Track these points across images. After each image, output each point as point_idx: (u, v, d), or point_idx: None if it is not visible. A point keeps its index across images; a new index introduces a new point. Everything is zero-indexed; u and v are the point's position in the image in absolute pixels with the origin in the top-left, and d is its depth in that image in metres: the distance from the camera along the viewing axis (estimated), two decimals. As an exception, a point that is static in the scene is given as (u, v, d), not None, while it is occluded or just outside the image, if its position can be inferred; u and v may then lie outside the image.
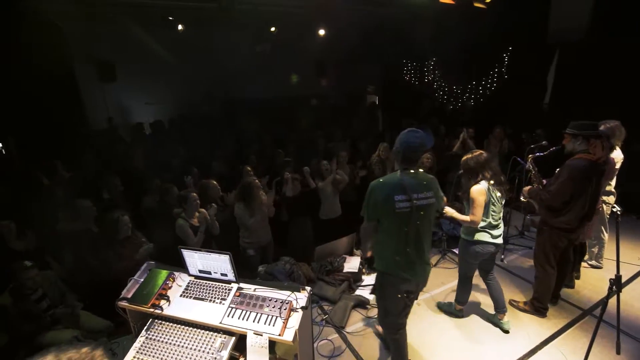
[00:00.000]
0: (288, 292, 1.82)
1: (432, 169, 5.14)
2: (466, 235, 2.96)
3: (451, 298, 3.49)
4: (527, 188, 3.23)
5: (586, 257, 4.08)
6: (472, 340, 3.08)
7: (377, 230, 2.24)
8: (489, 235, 2.86)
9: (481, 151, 2.88)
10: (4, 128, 5.56)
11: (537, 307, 3.31)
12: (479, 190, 2.75)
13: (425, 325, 3.27)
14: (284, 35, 8.12)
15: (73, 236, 3.57)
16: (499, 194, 2.83)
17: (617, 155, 3.52)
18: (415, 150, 2.10)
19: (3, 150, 5.74)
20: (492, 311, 3.27)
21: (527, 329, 3.18)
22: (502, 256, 4.34)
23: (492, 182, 2.78)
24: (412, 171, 2.14)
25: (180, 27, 6.88)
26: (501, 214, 2.89)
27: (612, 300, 2.29)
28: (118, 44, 7.27)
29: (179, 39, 7.33)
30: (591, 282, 3.83)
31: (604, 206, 3.72)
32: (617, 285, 2.07)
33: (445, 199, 2.49)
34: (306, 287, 1.84)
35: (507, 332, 3.11)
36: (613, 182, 3.64)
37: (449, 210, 2.83)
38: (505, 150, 5.91)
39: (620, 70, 5.39)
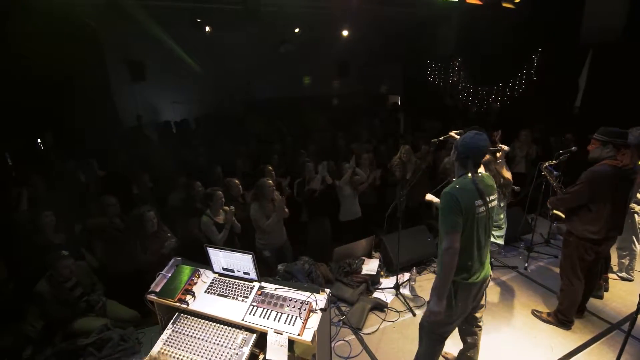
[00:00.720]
0: (308, 293, 1.87)
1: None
2: None
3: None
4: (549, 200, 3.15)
5: (615, 268, 3.92)
6: (493, 350, 3.02)
7: (458, 245, 2.04)
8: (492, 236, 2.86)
9: None
10: (41, 125, 5.90)
11: (562, 320, 3.21)
12: None
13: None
14: (308, 36, 8.19)
15: (100, 230, 3.78)
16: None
17: None
18: (483, 154, 2.07)
19: (41, 146, 6.09)
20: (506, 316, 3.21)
21: (551, 340, 3.09)
22: (526, 264, 4.22)
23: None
24: (480, 174, 2.11)
25: (207, 28, 7.07)
26: (502, 216, 2.92)
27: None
28: (148, 45, 7.55)
29: (206, 40, 7.53)
30: (620, 295, 3.68)
31: (635, 216, 3.55)
32: (646, 302, 1.98)
33: None
34: (325, 289, 1.88)
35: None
36: None
37: (431, 197, 2.84)
38: (533, 155, 5.73)
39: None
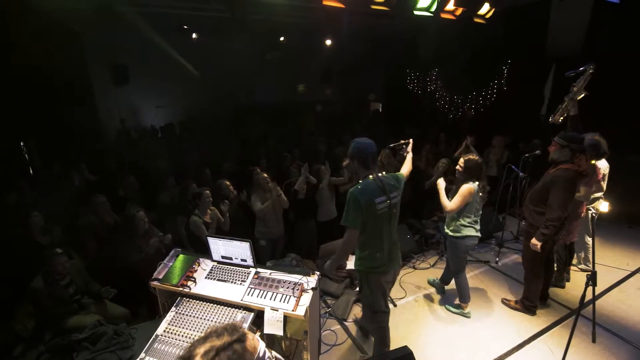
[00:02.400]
0: (300, 276, 2.08)
1: (447, 174, 5.40)
2: (454, 232, 3.28)
3: (450, 297, 3.72)
4: (533, 241, 3.24)
5: (574, 261, 4.31)
6: (467, 335, 3.30)
7: (356, 240, 2.37)
8: (474, 230, 3.25)
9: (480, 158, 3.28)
10: (22, 130, 5.84)
11: (527, 306, 3.53)
12: (469, 189, 3.10)
13: (422, 322, 3.49)
14: (293, 45, 8.46)
15: (90, 229, 3.86)
16: (481, 194, 3.23)
17: (605, 166, 3.77)
18: (373, 152, 2.31)
19: (24, 150, 6.03)
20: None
21: (518, 326, 3.40)
22: (497, 259, 4.57)
23: (479, 185, 3.16)
24: (380, 174, 2.34)
25: (194, 35, 7.22)
26: (480, 212, 3.29)
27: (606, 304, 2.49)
28: (132, 49, 7.62)
29: (192, 46, 7.66)
30: (580, 284, 4.03)
31: (589, 213, 3.96)
32: (592, 280, 2.30)
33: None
34: (316, 272, 2.10)
35: (469, 317, 3.49)
36: (600, 192, 3.86)
37: (440, 185, 3.34)
38: (504, 159, 6.14)
39: (614, 84, 5.66)
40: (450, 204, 3.18)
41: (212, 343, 0.88)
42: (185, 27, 7.06)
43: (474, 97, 7.98)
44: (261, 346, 1.03)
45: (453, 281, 3.61)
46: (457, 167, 3.28)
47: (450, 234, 3.31)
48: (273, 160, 5.89)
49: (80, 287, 3.37)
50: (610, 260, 4.54)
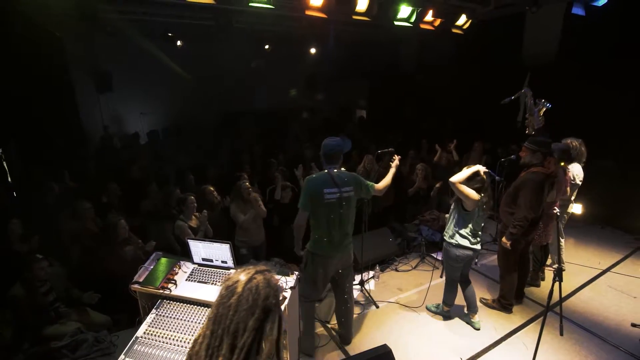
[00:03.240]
0: (279, 276, 2.13)
1: (426, 178, 5.56)
2: (449, 238, 3.20)
3: (430, 298, 3.81)
4: (503, 240, 3.40)
5: (549, 261, 4.48)
6: (447, 334, 3.40)
7: (304, 220, 2.74)
8: (469, 242, 3.13)
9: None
10: (1, 135, 5.74)
11: (504, 304, 3.66)
12: (476, 196, 2.97)
13: (403, 322, 3.58)
14: (278, 52, 8.59)
15: (72, 235, 3.82)
16: (484, 207, 3.11)
17: (578, 170, 3.97)
18: (332, 151, 2.65)
19: (3, 157, 5.91)
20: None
21: (495, 323, 3.53)
22: (476, 260, 4.70)
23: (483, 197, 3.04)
24: (334, 170, 2.66)
25: (179, 42, 7.26)
26: (482, 225, 3.20)
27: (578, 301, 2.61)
28: (116, 56, 7.60)
29: (177, 53, 7.70)
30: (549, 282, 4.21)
31: (561, 214, 4.15)
32: (558, 276, 2.43)
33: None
34: (295, 272, 2.16)
35: (478, 329, 3.42)
36: (573, 195, 4.06)
37: (458, 183, 3.01)
38: (483, 164, 6.35)
39: (585, 92, 5.96)
40: (457, 177, 2.98)
41: (250, 269, 1.10)
42: (170, 34, 7.09)
43: (455, 105, 8.22)
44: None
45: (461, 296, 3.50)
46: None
47: (446, 238, 3.25)
48: (258, 166, 5.94)
49: (61, 294, 3.33)
50: (583, 260, 4.74)
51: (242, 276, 1.05)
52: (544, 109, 3.91)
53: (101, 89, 8.16)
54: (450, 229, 3.22)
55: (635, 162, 5.53)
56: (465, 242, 3.13)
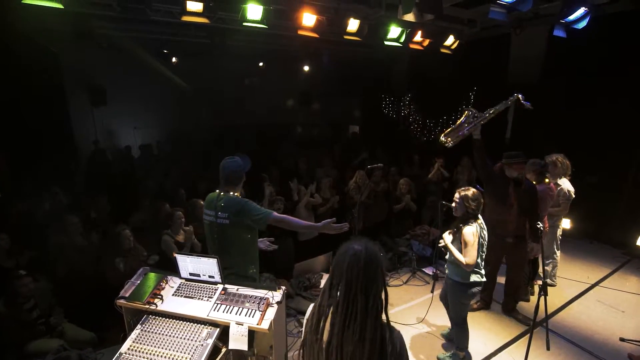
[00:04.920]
0: (266, 291, 2.14)
1: (410, 192, 5.61)
2: (463, 278, 2.90)
3: (419, 312, 3.80)
4: (536, 247, 3.56)
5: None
6: (436, 350, 3.38)
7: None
8: (479, 275, 2.91)
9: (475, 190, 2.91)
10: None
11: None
12: (472, 232, 2.76)
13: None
14: (271, 69, 8.77)
15: (60, 250, 3.78)
16: (485, 232, 2.89)
17: (569, 185, 4.08)
18: (225, 172, 2.53)
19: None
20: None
21: (484, 338, 3.52)
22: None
23: (480, 221, 2.86)
24: (222, 193, 2.54)
25: (174, 59, 7.38)
26: (484, 254, 2.94)
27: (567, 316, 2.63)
28: (110, 70, 7.69)
29: (171, 70, 7.81)
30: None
31: (557, 229, 4.24)
32: (544, 290, 2.47)
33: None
34: (282, 287, 2.16)
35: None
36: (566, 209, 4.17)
37: (451, 247, 2.89)
38: (472, 179, 6.46)
39: (568, 109, 6.16)
40: (467, 258, 2.76)
41: (357, 241, 1.38)
42: (165, 51, 7.21)
43: (445, 121, 8.40)
44: None
45: None
46: (454, 202, 2.92)
47: (456, 279, 2.94)
48: (250, 181, 5.95)
49: (45, 310, 3.27)
50: (571, 274, 4.79)
51: (357, 246, 1.31)
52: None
53: (95, 103, 8.19)
54: (458, 269, 2.90)
55: (620, 177, 5.67)
56: (478, 277, 2.90)
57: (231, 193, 2.53)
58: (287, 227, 2.55)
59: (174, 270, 3.52)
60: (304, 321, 1.43)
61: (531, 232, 3.42)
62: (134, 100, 8.44)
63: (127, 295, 2.14)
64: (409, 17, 3.39)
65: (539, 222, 2.65)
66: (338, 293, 1.29)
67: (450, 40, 6.04)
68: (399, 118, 9.64)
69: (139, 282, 2.23)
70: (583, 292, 4.39)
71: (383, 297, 1.30)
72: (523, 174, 3.53)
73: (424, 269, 4.77)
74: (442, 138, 3.64)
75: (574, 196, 4.09)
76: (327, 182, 5.42)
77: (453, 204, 2.94)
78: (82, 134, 7.89)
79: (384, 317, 1.29)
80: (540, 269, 4.43)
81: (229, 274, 2.49)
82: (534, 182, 3.71)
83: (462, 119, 3.43)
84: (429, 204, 6.26)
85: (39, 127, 5.94)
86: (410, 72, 8.71)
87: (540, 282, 4.42)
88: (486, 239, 2.88)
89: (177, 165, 6.68)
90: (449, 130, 3.53)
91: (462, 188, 2.93)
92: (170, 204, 4.49)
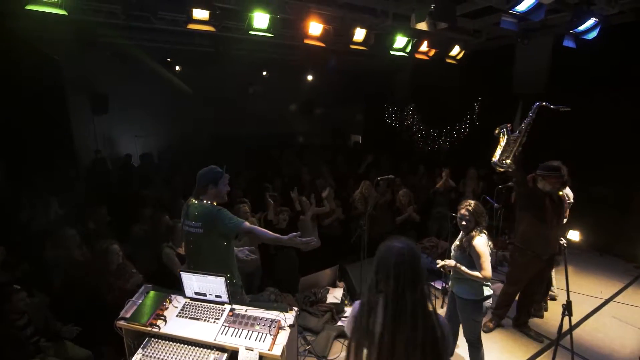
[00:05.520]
0: (277, 312, 2.00)
1: (410, 203, 5.49)
2: (477, 295, 2.76)
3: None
4: None
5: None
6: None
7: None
8: (489, 287, 2.80)
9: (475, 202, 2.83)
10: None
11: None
12: (484, 242, 2.67)
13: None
14: (275, 78, 8.73)
15: (57, 263, 3.63)
16: (491, 244, 2.80)
17: (568, 190, 3.98)
18: (201, 182, 2.53)
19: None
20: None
21: (500, 357, 3.37)
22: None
23: (485, 232, 2.76)
24: (195, 201, 2.52)
25: (177, 67, 7.33)
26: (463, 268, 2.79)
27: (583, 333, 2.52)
28: (113, 78, 7.63)
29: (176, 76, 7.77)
30: (557, 314, 4.08)
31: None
32: (568, 310, 2.34)
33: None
34: (293, 308, 2.03)
35: None
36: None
37: (463, 269, 2.74)
38: (479, 190, 6.35)
39: (573, 118, 6.10)
40: (484, 271, 2.63)
41: (396, 239, 1.48)
42: (169, 59, 7.17)
43: (449, 131, 8.34)
44: None
45: None
46: (463, 218, 2.78)
47: (472, 297, 2.78)
48: (253, 191, 5.84)
49: (40, 327, 3.11)
50: (584, 289, 4.64)
51: (399, 244, 1.41)
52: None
53: (97, 111, 8.12)
54: (474, 286, 2.76)
55: (632, 189, 5.57)
56: (488, 290, 2.78)
57: (204, 201, 2.50)
58: (256, 239, 2.60)
59: (174, 285, 3.43)
60: (349, 319, 1.52)
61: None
62: (136, 108, 8.38)
63: (127, 316, 2.00)
64: (422, 25, 3.32)
65: (562, 239, 2.53)
66: (384, 289, 1.39)
67: (456, 50, 6.02)
68: (402, 127, 9.59)
69: (140, 301, 2.09)
70: (598, 308, 4.24)
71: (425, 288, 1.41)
72: (559, 190, 3.40)
73: (433, 283, 4.62)
74: (501, 162, 3.35)
75: (572, 202, 3.98)
76: (328, 192, 5.30)
77: (463, 223, 2.80)
78: (83, 142, 7.78)
79: (429, 306, 1.39)
80: (556, 287, 4.34)
81: None
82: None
83: (502, 140, 3.31)
84: (436, 215, 6.14)
85: (39, 134, 5.85)
86: (413, 82, 8.69)
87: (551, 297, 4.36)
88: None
89: (178, 175, 6.56)
90: (499, 153, 3.34)
91: (467, 203, 2.83)
92: (170, 214, 4.36)
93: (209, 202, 2.50)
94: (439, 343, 1.34)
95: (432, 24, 3.32)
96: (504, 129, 3.32)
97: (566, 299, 2.44)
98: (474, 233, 2.71)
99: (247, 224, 2.47)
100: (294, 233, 2.37)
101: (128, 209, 5.04)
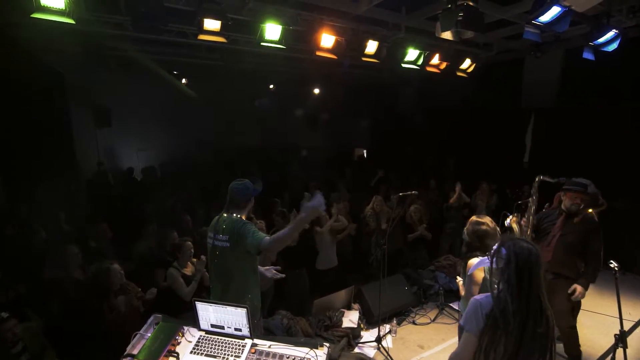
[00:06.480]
0: (306, 349, 1.77)
1: (421, 220, 5.29)
2: None
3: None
4: (579, 289, 3.09)
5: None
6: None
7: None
8: None
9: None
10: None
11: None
12: (478, 274, 2.27)
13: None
14: (282, 92, 8.65)
15: (56, 284, 3.40)
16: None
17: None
18: (231, 194, 2.46)
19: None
20: None
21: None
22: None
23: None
24: (225, 215, 2.45)
25: (184, 80, 7.24)
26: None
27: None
28: (116, 91, 7.53)
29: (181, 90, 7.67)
30: (586, 337, 3.83)
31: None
32: (622, 341, 2.12)
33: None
34: (325, 344, 1.80)
35: None
36: None
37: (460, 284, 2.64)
38: (492, 205, 6.15)
39: (588, 132, 5.99)
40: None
41: (509, 239, 1.64)
42: (175, 72, 7.07)
43: (459, 145, 8.19)
44: None
45: None
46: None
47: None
48: (261, 205, 5.63)
49: (36, 354, 2.87)
50: (609, 310, 4.38)
51: (526, 244, 1.55)
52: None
53: (99, 124, 7.99)
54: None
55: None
56: None
57: (235, 215, 2.43)
58: (281, 245, 2.36)
59: (179, 308, 3.19)
60: (469, 317, 1.61)
61: (585, 271, 3.11)
62: (139, 122, 8.26)
63: (134, 352, 1.77)
64: (447, 35, 3.22)
65: (612, 261, 2.32)
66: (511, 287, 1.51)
67: (466, 63, 5.94)
68: (411, 142, 9.45)
69: (149, 334, 1.87)
70: (629, 331, 3.98)
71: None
72: (578, 206, 3.19)
73: (451, 304, 4.37)
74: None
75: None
76: (343, 206, 5.11)
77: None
78: (85, 156, 7.61)
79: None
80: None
81: (228, 296, 2.37)
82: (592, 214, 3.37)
83: (516, 229, 3.23)
84: (448, 231, 5.94)
85: (40, 147, 5.69)
86: (421, 96, 8.61)
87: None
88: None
89: (183, 190, 6.36)
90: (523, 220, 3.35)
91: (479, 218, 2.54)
92: (176, 231, 4.15)
93: (239, 215, 2.44)
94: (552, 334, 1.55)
95: (456, 33, 3.21)
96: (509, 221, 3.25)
97: (619, 328, 2.20)
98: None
99: (267, 238, 2.30)
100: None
101: (129, 225, 4.82)
